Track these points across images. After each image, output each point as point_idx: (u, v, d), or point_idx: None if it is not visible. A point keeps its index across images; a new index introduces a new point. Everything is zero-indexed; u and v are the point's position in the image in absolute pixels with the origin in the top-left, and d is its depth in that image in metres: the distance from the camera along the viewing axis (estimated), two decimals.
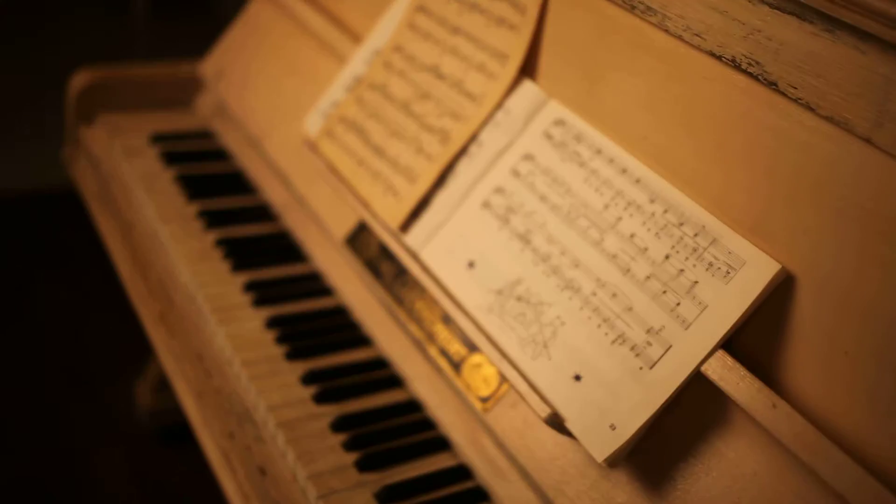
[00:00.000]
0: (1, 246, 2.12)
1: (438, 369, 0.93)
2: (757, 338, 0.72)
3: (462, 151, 0.95)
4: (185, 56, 1.54)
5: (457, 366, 0.91)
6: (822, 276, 0.69)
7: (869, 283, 0.65)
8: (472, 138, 0.95)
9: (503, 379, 0.86)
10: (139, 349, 1.71)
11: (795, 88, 0.68)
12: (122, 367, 1.79)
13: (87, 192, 1.34)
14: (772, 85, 0.70)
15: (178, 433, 1.65)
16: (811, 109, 0.68)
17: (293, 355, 0.98)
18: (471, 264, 0.90)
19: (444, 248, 0.93)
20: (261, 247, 1.16)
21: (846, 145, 0.66)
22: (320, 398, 0.93)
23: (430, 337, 0.94)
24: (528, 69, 0.94)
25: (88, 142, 1.37)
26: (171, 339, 1.03)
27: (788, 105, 0.69)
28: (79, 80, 1.39)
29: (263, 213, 1.22)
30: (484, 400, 0.88)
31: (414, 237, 0.96)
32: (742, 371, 0.70)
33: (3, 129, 2.61)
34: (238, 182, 1.28)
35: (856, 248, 0.66)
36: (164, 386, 1.65)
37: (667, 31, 0.78)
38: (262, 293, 1.07)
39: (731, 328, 0.72)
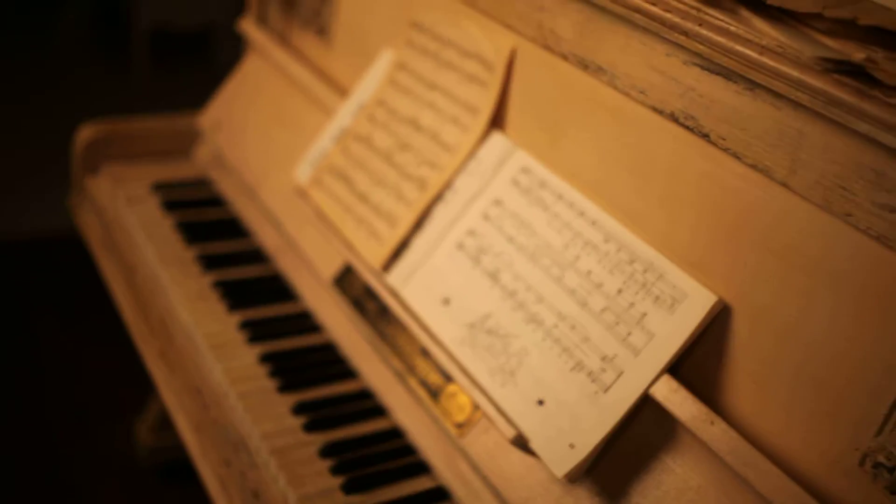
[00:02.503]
0: (6, 288, 2.20)
1: (418, 399, 1.01)
2: (699, 363, 0.80)
3: (438, 197, 1.04)
4: (186, 104, 1.64)
5: (435, 395, 0.99)
6: (753, 306, 0.77)
7: (792, 310, 0.74)
8: (448, 185, 1.04)
9: (476, 406, 0.93)
10: (138, 390, 1.78)
11: (724, 139, 0.77)
12: (121, 406, 1.86)
13: (92, 237, 1.43)
14: (705, 136, 0.79)
15: (177, 470, 1.72)
16: (738, 158, 0.76)
17: (285, 388, 1.06)
18: (446, 301, 0.98)
19: (422, 287, 1.01)
20: (255, 288, 1.24)
21: (768, 190, 0.75)
22: (310, 427, 1.01)
23: (411, 369, 1.02)
24: (497, 121, 1.03)
25: (93, 191, 1.46)
26: (172, 375, 1.11)
27: (720, 154, 0.78)
28: (84, 134, 1.48)
29: (257, 256, 1.31)
30: (459, 426, 0.95)
31: (395, 277, 1.05)
32: (684, 393, 0.78)
33: (11, 178, 2.71)
34: (233, 227, 1.37)
35: (781, 281, 0.75)
36: (162, 426, 1.72)
37: (616, 88, 0.87)
38: (256, 331, 1.15)
39: (675, 354, 0.80)
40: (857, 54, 0.63)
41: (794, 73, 0.67)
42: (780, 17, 0.71)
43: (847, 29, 0.66)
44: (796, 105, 0.70)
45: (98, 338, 2.03)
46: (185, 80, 3.56)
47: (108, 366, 1.96)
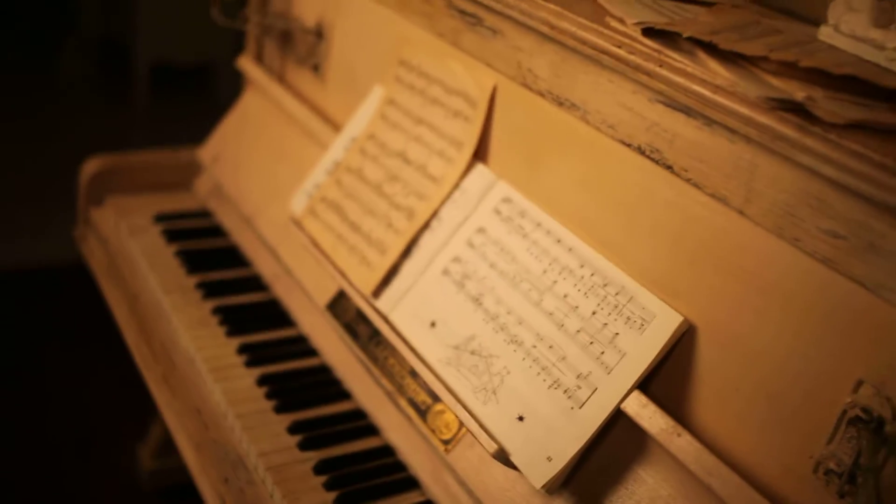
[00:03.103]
0: (13, 316, 2.25)
1: (408, 417, 1.06)
2: (668, 379, 0.86)
3: (425, 226, 1.10)
4: (187, 137, 1.70)
5: (423, 413, 1.04)
6: (716, 326, 0.82)
7: (750, 329, 0.79)
8: (434, 215, 1.10)
9: (462, 423, 0.99)
10: (140, 416, 1.83)
11: (686, 171, 0.83)
12: (124, 432, 1.91)
13: (97, 266, 1.48)
14: (669, 168, 0.85)
15: (177, 492, 1.76)
16: (699, 188, 0.82)
17: (281, 408, 1.11)
18: (432, 324, 1.04)
19: (410, 311, 1.07)
20: (253, 314, 1.30)
21: (727, 217, 0.80)
22: (304, 445, 1.06)
23: (400, 389, 1.07)
24: (480, 154, 1.09)
25: (98, 222, 1.52)
26: (173, 397, 1.16)
27: (682, 184, 0.84)
28: (89, 168, 1.55)
29: (255, 283, 1.37)
30: (446, 442, 1.01)
31: (384, 302, 1.10)
32: (653, 407, 0.84)
33: (17, 209, 2.77)
34: (232, 256, 1.43)
35: (740, 302, 0.80)
36: (163, 450, 1.77)
37: (588, 123, 0.94)
38: (254, 354, 1.20)
39: (645, 371, 0.85)
40: (799, 93, 0.70)
41: (744, 111, 0.74)
42: (732, 58, 0.78)
43: (791, 70, 0.73)
44: (748, 139, 0.77)
45: (102, 366, 2.08)
46: (187, 113, 3.63)
47: (112, 393, 2.01)
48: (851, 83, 0.72)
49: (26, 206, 2.80)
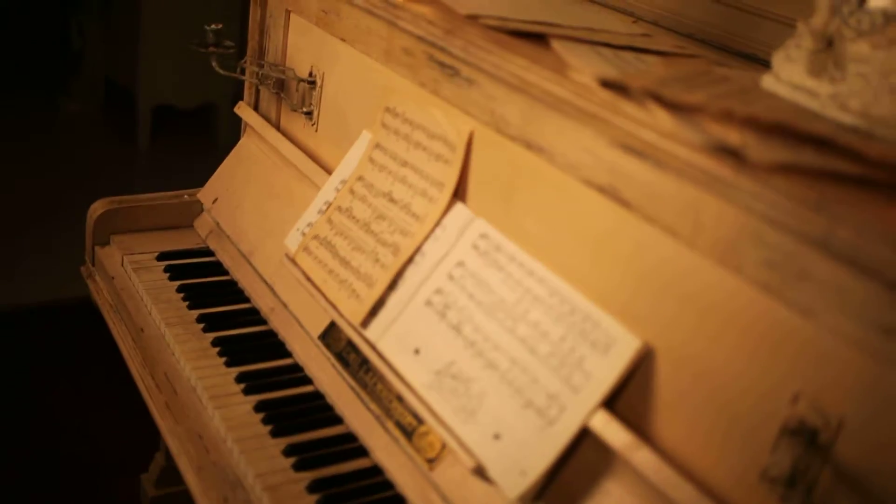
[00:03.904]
0: (21, 351, 2.33)
1: (395, 439, 1.14)
2: (630, 397, 0.94)
3: (410, 261, 1.18)
4: (189, 176, 1.79)
5: (409, 435, 1.12)
6: (671, 348, 0.91)
7: (702, 350, 0.87)
8: (418, 250, 1.18)
9: (444, 442, 1.06)
10: (143, 447, 1.91)
11: (642, 208, 0.92)
12: (128, 464, 1.98)
13: (103, 302, 1.57)
14: (626, 205, 0.94)
15: None
16: (653, 222, 0.91)
17: (277, 433, 1.19)
18: (417, 351, 1.12)
19: (396, 339, 1.15)
20: (251, 344, 1.37)
21: (678, 250, 0.89)
22: (299, 467, 1.13)
23: (388, 412, 1.15)
24: (459, 193, 1.18)
25: (104, 260, 1.61)
26: (175, 424, 1.23)
27: (639, 220, 0.93)
28: (95, 210, 1.63)
29: (253, 316, 1.45)
30: (430, 461, 1.08)
31: (372, 331, 1.18)
32: (616, 424, 0.91)
33: (24, 248, 2.86)
34: (231, 291, 1.51)
35: (693, 326, 0.89)
36: (165, 480, 1.85)
37: (554, 164, 1.02)
38: (252, 383, 1.28)
39: (609, 391, 0.93)
40: (734, 138, 0.78)
41: (686, 155, 0.82)
42: (677, 107, 0.87)
43: (728, 118, 0.82)
44: (693, 180, 0.85)
45: (107, 399, 2.15)
46: (188, 151, 3.74)
47: (116, 426, 2.09)
48: (783, 129, 0.81)
49: (31, 244, 2.89)
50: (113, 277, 1.56)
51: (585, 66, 0.96)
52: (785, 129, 0.78)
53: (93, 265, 1.64)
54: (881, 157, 0.73)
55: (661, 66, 0.98)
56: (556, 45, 1.07)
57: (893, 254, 0.66)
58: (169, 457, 1.54)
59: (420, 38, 1.20)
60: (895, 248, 0.66)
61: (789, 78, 0.97)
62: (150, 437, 1.75)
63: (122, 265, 1.57)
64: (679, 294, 0.90)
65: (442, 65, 1.18)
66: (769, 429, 0.82)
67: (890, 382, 0.71)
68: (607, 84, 0.93)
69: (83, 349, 2.33)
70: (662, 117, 0.86)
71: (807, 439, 0.78)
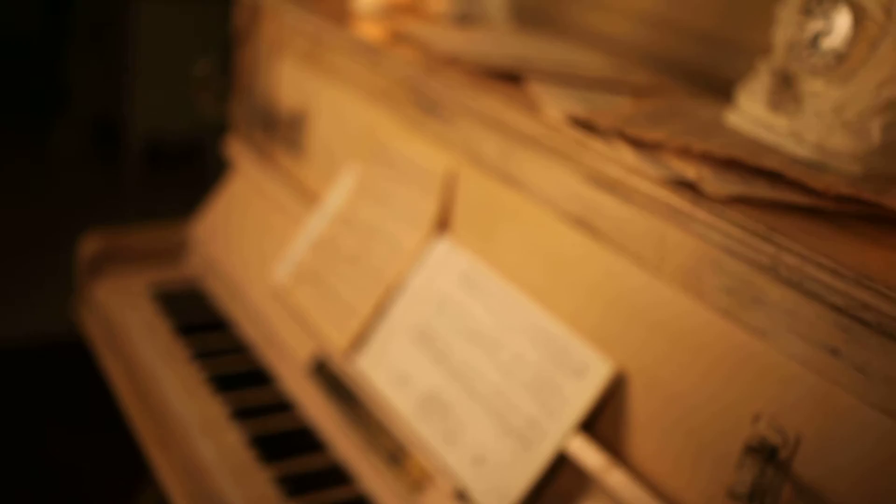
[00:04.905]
0: (15, 389, 2.35)
1: (382, 465, 1.17)
2: (605, 420, 0.98)
3: (395, 290, 1.23)
4: (179, 208, 1.83)
5: (395, 460, 1.15)
6: (642, 372, 0.95)
7: (671, 374, 0.92)
8: (402, 279, 1.23)
9: (429, 467, 1.10)
10: (131, 480, 1.93)
11: (612, 238, 0.97)
12: (120, 495, 2.00)
13: (95, 335, 1.60)
14: (598, 235, 0.99)
15: None
16: (623, 252, 0.96)
17: (265, 459, 1.22)
18: (402, 379, 1.16)
19: (381, 367, 1.19)
20: (240, 374, 1.41)
21: (646, 278, 0.94)
22: (287, 493, 1.17)
23: (375, 439, 1.19)
24: (443, 225, 1.22)
25: (96, 295, 1.64)
26: (166, 454, 1.27)
27: (609, 249, 0.98)
28: (87, 245, 1.67)
29: (243, 346, 1.48)
30: (416, 486, 1.12)
31: (359, 360, 1.22)
32: (592, 446, 0.96)
33: (13, 284, 2.89)
34: (222, 322, 1.55)
35: (662, 351, 0.93)
36: None
37: (532, 197, 1.07)
38: (240, 411, 1.31)
39: (584, 415, 0.97)
40: (691, 173, 0.84)
41: (649, 188, 0.87)
42: (640, 143, 0.92)
43: (686, 153, 0.87)
44: (657, 212, 0.90)
45: (96, 434, 2.18)
46: (178, 182, 3.79)
47: (105, 460, 2.11)
48: (736, 163, 0.86)
49: (24, 280, 2.92)
50: (104, 311, 1.60)
51: (556, 105, 1.01)
52: (738, 163, 0.83)
53: (82, 299, 1.68)
54: (826, 188, 0.78)
55: (629, 103, 1.03)
56: (530, 84, 1.13)
57: (834, 279, 0.71)
58: (158, 489, 1.57)
59: (401, 80, 1.25)
60: (836, 273, 0.71)
61: (751, 112, 1.03)
62: (139, 472, 1.77)
63: (114, 299, 1.60)
64: (648, 320, 0.94)
65: (423, 104, 1.23)
66: (733, 447, 0.86)
67: (839, 400, 0.75)
68: (577, 122, 0.98)
69: (71, 383, 2.35)
70: (627, 153, 0.91)
71: (767, 457, 0.83)
